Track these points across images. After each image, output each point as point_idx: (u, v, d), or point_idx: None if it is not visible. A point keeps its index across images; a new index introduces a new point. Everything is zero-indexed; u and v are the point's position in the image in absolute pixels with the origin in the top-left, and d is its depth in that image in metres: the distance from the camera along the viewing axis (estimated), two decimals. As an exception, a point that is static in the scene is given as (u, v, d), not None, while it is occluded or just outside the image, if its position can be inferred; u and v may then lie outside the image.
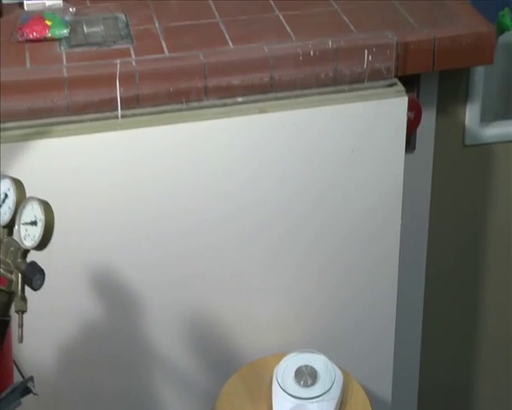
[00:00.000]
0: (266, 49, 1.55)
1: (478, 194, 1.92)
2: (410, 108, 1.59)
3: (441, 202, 1.87)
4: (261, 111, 1.53)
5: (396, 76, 1.59)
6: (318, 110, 1.54)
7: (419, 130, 1.74)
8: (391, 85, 1.59)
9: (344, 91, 1.57)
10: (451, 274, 1.98)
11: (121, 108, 1.48)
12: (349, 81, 1.57)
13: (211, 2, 1.73)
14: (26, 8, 1.67)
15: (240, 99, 1.54)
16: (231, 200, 1.56)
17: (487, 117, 1.87)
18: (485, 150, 1.87)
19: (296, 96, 1.55)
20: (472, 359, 2.09)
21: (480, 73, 1.78)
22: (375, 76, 1.57)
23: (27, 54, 1.53)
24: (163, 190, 1.52)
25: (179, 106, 1.51)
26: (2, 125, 1.44)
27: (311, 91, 1.56)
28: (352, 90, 1.57)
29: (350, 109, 1.56)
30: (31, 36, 1.56)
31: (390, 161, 1.61)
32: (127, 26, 1.63)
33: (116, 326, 1.59)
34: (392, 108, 1.57)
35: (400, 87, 1.59)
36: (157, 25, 1.64)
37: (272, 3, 1.72)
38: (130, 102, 1.48)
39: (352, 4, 1.71)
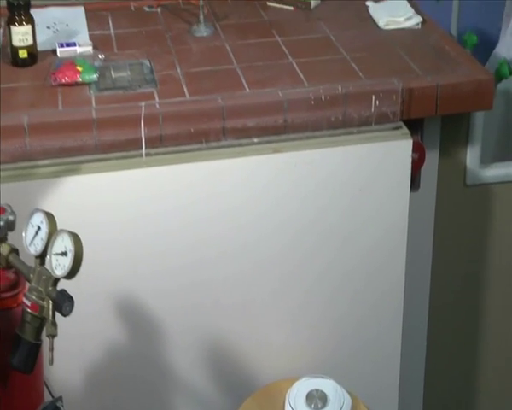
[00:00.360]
0: (280, 94, 1.56)
1: (478, 230, 1.92)
2: (414, 150, 1.60)
3: (444, 238, 1.86)
4: (275, 151, 1.54)
5: (401, 120, 1.60)
6: (328, 151, 1.55)
7: (423, 170, 1.74)
8: (396, 128, 1.60)
9: (352, 133, 1.58)
10: (453, 305, 1.97)
11: (145, 147, 1.49)
12: (357, 124, 1.58)
13: (229, 50, 1.75)
14: (59, 54, 1.70)
15: (255, 140, 1.55)
16: (246, 234, 1.56)
17: (487, 159, 1.87)
18: (485, 190, 1.87)
19: (308, 138, 1.56)
20: (474, 385, 2.08)
21: (480, 117, 1.78)
22: (381, 119, 1.58)
23: (60, 97, 1.55)
24: (183, 224, 1.53)
25: (199, 145, 1.52)
26: (35, 163, 1.46)
27: (321, 133, 1.57)
28: (360, 133, 1.58)
29: (358, 150, 1.56)
30: (63, 80, 1.59)
31: (396, 198, 1.61)
32: (151, 71, 1.65)
33: (138, 350, 1.59)
34: (398, 149, 1.57)
35: (405, 130, 1.59)
36: (179, 70, 1.66)
37: (286, 51, 1.74)
38: (154, 142, 1.50)
39: (360, 53, 1.73)
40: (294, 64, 1.69)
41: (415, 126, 1.64)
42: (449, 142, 1.78)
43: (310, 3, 1.95)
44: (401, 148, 1.57)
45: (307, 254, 1.61)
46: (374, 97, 1.56)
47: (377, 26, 1.85)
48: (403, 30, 1.83)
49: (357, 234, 1.62)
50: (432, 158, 1.75)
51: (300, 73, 1.64)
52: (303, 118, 1.55)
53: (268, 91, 1.58)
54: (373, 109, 1.57)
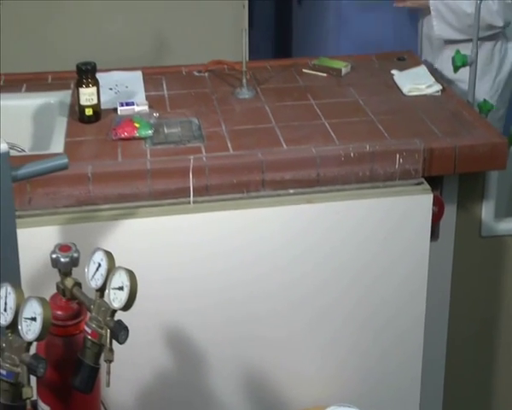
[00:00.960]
0: (314, 151, 1.58)
1: (493, 278, 1.89)
2: (434, 204, 1.59)
3: (461, 284, 1.84)
4: (308, 202, 1.55)
5: (423, 176, 1.60)
6: (357, 203, 1.55)
7: (442, 222, 1.73)
8: (418, 184, 1.59)
9: (378, 188, 1.58)
10: (470, 346, 1.94)
11: (193, 196, 1.51)
12: (383, 179, 1.58)
13: (268, 110, 1.77)
14: (119, 112, 1.74)
15: (291, 191, 1.56)
16: (282, 275, 1.56)
17: (501, 213, 1.86)
18: (499, 241, 1.85)
19: (338, 190, 1.57)
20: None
21: (494, 175, 1.77)
22: (405, 176, 1.58)
23: (119, 149, 1.59)
24: (226, 265, 1.53)
25: (241, 195, 1.54)
26: (97, 207, 1.49)
27: (350, 187, 1.57)
28: (385, 187, 1.58)
29: (383, 203, 1.56)
30: (122, 135, 1.62)
31: (417, 247, 1.60)
32: (199, 128, 1.68)
33: (184, 377, 1.58)
34: (420, 203, 1.57)
35: (426, 186, 1.59)
36: (224, 128, 1.69)
37: (319, 113, 1.76)
38: (201, 191, 1.52)
39: (386, 115, 1.74)
40: (327, 124, 1.70)
41: (435, 182, 1.63)
42: (466, 197, 1.77)
43: (341, 71, 1.98)
44: (422, 202, 1.57)
45: (337, 295, 1.60)
46: (398, 156, 1.57)
47: (401, 92, 1.87)
48: (424, 96, 1.85)
49: (382, 278, 1.61)
50: (450, 211, 1.74)
51: (332, 133, 1.66)
52: (334, 172, 1.56)
53: (303, 148, 1.59)
54: (397, 166, 1.57)
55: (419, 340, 1.66)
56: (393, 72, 1.97)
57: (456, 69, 1.96)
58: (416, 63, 2.02)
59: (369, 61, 2.08)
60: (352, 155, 1.57)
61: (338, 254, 1.58)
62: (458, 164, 1.62)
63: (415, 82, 1.88)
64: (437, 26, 2.22)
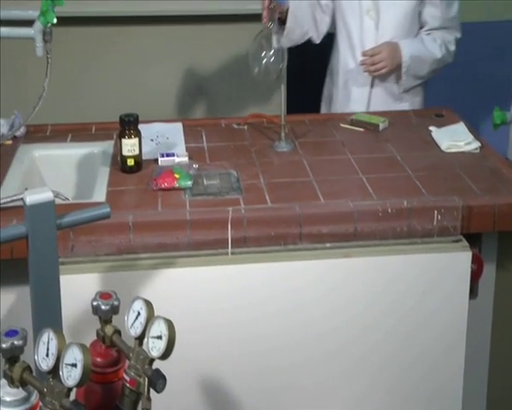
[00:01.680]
0: (351, 205, 1.59)
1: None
2: (473, 262, 1.58)
3: (500, 342, 1.81)
4: (345, 256, 1.55)
5: (461, 233, 1.59)
6: (394, 258, 1.56)
7: (481, 279, 1.71)
8: (457, 241, 1.59)
9: (416, 243, 1.58)
10: (509, 404, 1.90)
11: (231, 247, 1.53)
12: (421, 235, 1.58)
13: (306, 164, 1.80)
14: (160, 163, 1.78)
15: (328, 245, 1.57)
16: (317, 326, 1.56)
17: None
18: (538, 300, 1.84)
19: (375, 245, 1.57)
20: None
21: (534, 233, 1.77)
22: (443, 232, 1.58)
23: (159, 200, 1.62)
24: (262, 315, 1.54)
25: (278, 247, 1.55)
26: (137, 256, 1.52)
27: (387, 242, 1.58)
28: (423, 243, 1.58)
29: (421, 259, 1.56)
30: (163, 186, 1.66)
31: (456, 303, 1.59)
32: (238, 180, 1.71)
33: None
34: (458, 260, 1.56)
35: (465, 243, 1.58)
36: (262, 180, 1.71)
37: (356, 167, 1.78)
38: (239, 242, 1.54)
39: (424, 172, 1.75)
40: (364, 179, 1.72)
41: (474, 240, 1.63)
42: (505, 255, 1.75)
43: (378, 126, 2.01)
44: (461, 259, 1.56)
45: (372, 346, 1.60)
46: (436, 213, 1.57)
47: (439, 148, 1.88)
48: (463, 153, 1.85)
49: (418, 333, 1.60)
50: (489, 269, 1.72)
51: (369, 188, 1.68)
52: (371, 227, 1.57)
53: (340, 202, 1.61)
54: (435, 223, 1.57)
55: (457, 396, 1.64)
56: (431, 128, 1.98)
57: (495, 127, 1.97)
58: (455, 120, 2.03)
59: (407, 117, 2.10)
60: (389, 210, 1.58)
61: (373, 307, 1.58)
62: (498, 222, 1.61)
63: (453, 139, 1.89)
64: (405, 81, 2.19)
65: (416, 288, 1.57)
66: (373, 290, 1.57)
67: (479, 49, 2.85)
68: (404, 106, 2.21)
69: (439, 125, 1.99)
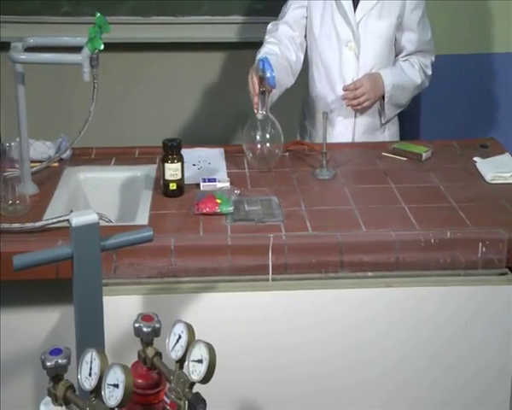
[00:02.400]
0: (393, 235, 1.59)
1: None
2: (518, 295, 1.56)
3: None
4: (387, 285, 1.55)
5: (507, 266, 1.57)
6: (436, 289, 1.55)
7: None
8: (502, 274, 1.57)
9: (459, 275, 1.57)
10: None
11: (272, 273, 1.54)
12: (464, 267, 1.57)
13: (347, 192, 1.80)
14: (201, 188, 1.80)
15: (369, 273, 1.57)
16: (357, 354, 1.56)
17: None
18: None
19: (417, 276, 1.56)
20: None
21: None
22: (487, 265, 1.57)
23: (201, 224, 1.65)
24: (302, 341, 1.54)
25: (319, 275, 1.56)
26: (179, 279, 1.53)
27: (430, 272, 1.57)
28: (466, 275, 1.57)
29: (464, 291, 1.55)
30: (204, 210, 1.68)
31: (499, 337, 1.57)
32: (279, 207, 1.72)
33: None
34: (503, 293, 1.54)
35: (511, 276, 1.56)
36: (303, 207, 1.72)
37: (399, 196, 1.78)
38: (279, 269, 1.55)
39: (468, 203, 1.74)
40: (406, 209, 1.72)
41: (519, 273, 1.61)
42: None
43: (421, 155, 2.00)
44: (506, 292, 1.55)
45: (411, 377, 1.58)
46: (480, 244, 1.56)
47: (484, 179, 1.87)
48: (508, 185, 1.84)
49: (460, 365, 1.58)
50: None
51: (412, 217, 1.67)
52: (413, 257, 1.57)
53: (382, 232, 1.61)
54: (479, 255, 1.56)
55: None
56: (476, 159, 1.97)
57: None
58: (500, 151, 2.02)
59: (451, 147, 2.09)
60: (432, 240, 1.57)
61: (414, 338, 1.57)
62: (544, 255, 1.59)
63: (498, 170, 1.87)
64: (388, 111, 2.17)
65: (458, 320, 1.56)
66: (414, 321, 1.56)
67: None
68: (386, 136, 2.21)
69: (484, 156, 1.98)
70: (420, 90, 2.23)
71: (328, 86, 2.17)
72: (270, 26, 2.22)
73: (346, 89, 2.08)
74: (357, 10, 2.11)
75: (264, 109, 1.89)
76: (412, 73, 2.17)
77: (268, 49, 2.12)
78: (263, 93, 1.88)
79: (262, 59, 1.87)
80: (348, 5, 2.11)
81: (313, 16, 2.15)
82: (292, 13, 2.18)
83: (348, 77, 2.13)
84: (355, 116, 2.17)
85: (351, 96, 2.08)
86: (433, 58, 2.23)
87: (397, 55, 2.20)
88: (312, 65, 2.20)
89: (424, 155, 2.00)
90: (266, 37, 2.19)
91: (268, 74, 1.86)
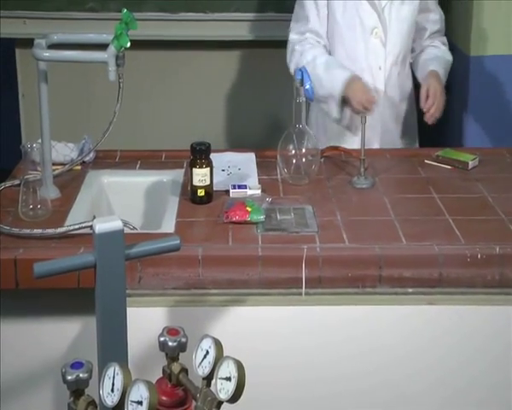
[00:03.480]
0: (436, 248, 1.57)
1: None
2: None
3: None
4: (429, 303, 1.54)
5: None
6: (483, 308, 1.53)
7: None
8: None
9: (509, 294, 1.55)
10: None
11: (305, 287, 1.54)
12: None
13: (387, 202, 1.79)
14: (231, 195, 1.81)
15: (410, 290, 1.55)
16: (392, 372, 1.56)
17: None
18: None
19: (462, 293, 1.55)
20: None
21: None
22: None
23: (230, 233, 1.65)
24: (337, 358, 1.55)
25: (356, 290, 1.55)
26: (206, 291, 1.54)
27: (476, 290, 1.55)
28: None
29: None
30: (234, 219, 1.68)
31: None
32: (314, 216, 1.71)
33: None
34: None
35: None
36: (339, 217, 1.72)
37: (442, 208, 1.76)
38: (313, 282, 1.54)
39: (518, 215, 1.72)
40: (451, 221, 1.70)
41: None
42: None
43: (467, 164, 1.98)
44: (559, 312, 1.53)
45: (453, 397, 1.57)
46: (532, 261, 1.54)
47: (536, 190, 1.85)
48: (562, 197, 1.82)
49: (503, 386, 1.56)
50: None
51: (456, 230, 1.66)
52: (458, 273, 1.55)
53: (424, 245, 1.59)
54: (530, 272, 1.55)
55: None
56: (527, 168, 1.96)
57: None
58: (553, 160, 2.01)
59: (500, 155, 2.07)
60: (478, 256, 1.55)
61: (456, 359, 1.56)
62: None
63: (551, 181, 1.86)
64: None
65: (505, 342, 1.54)
66: (457, 341, 1.55)
67: None
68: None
69: (536, 166, 1.97)
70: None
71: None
72: (295, 36, 2.24)
73: (428, 108, 2.08)
74: None
75: (302, 122, 1.88)
76: (447, 53, 2.29)
77: (313, 55, 2.17)
78: (300, 104, 1.86)
79: (300, 69, 1.88)
80: None
81: (335, 7, 2.17)
82: (315, 19, 2.21)
83: (375, 65, 2.17)
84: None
85: (433, 110, 2.08)
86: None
87: (415, 38, 2.26)
88: (335, 56, 2.21)
89: (471, 164, 1.98)
90: (296, 47, 2.22)
91: (307, 86, 1.86)
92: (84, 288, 1.45)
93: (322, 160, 2.01)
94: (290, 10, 2.93)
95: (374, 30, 2.15)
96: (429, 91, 2.11)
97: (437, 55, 2.26)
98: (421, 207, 1.78)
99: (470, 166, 1.98)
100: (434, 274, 1.55)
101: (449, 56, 2.29)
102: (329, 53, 2.23)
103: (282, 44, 2.93)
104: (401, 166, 2.02)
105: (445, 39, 2.32)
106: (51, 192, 1.80)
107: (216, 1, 2.93)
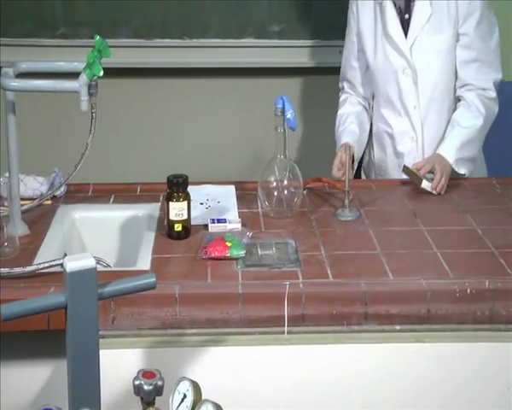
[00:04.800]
0: (424, 283, 1.59)
1: None
2: None
3: None
4: (417, 340, 1.55)
5: None
6: (474, 345, 1.55)
7: None
8: None
9: (500, 330, 1.56)
10: None
11: (288, 325, 1.54)
12: (505, 321, 1.56)
13: (372, 235, 1.81)
14: (210, 229, 1.82)
15: (397, 327, 1.57)
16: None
17: None
18: None
19: (452, 330, 1.56)
20: None
21: None
22: None
23: (209, 270, 1.66)
24: (322, 399, 1.55)
25: (340, 328, 1.56)
26: (184, 331, 1.54)
27: (466, 327, 1.56)
28: (508, 330, 1.56)
29: (506, 348, 1.54)
30: (213, 255, 1.69)
31: None
32: (296, 251, 1.73)
33: None
34: None
35: None
36: (323, 252, 1.73)
37: (430, 240, 1.78)
38: (296, 320, 1.55)
39: (509, 248, 1.74)
40: (439, 254, 1.72)
41: None
42: None
43: (421, 180, 2.02)
44: (553, 349, 1.54)
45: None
46: (524, 296, 1.56)
47: (528, 225, 1.87)
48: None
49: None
50: None
51: (445, 264, 1.67)
52: (447, 309, 1.57)
53: (411, 280, 1.61)
54: (522, 307, 1.56)
55: None
56: (518, 199, 1.98)
57: None
58: (545, 190, 2.04)
59: (490, 185, 2.11)
60: (468, 290, 1.57)
61: (447, 399, 1.56)
62: None
63: (543, 212, 1.89)
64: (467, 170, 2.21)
65: (499, 381, 1.55)
66: (447, 380, 1.56)
67: None
68: None
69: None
70: (488, 126, 2.24)
71: (393, 117, 2.29)
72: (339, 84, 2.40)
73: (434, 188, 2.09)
74: (408, 33, 2.21)
75: (284, 153, 1.91)
76: (469, 120, 2.21)
77: (342, 110, 2.35)
78: (281, 134, 1.89)
79: (281, 97, 1.91)
80: (396, 32, 2.22)
81: (368, 53, 2.29)
82: (352, 72, 2.36)
83: (410, 104, 2.25)
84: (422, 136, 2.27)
85: (437, 188, 2.09)
86: (499, 75, 2.25)
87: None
88: (375, 101, 2.35)
89: (424, 183, 2.03)
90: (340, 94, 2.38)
91: (289, 115, 1.89)
92: (54, 330, 1.44)
93: (304, 192, 2.03)
94: (271, 36, 2.99)
95: (404, 70, 2.23)
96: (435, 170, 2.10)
97: (452, 128, 2.20)
98: (408, 240, 1.81)
99: (423, 185, 2.03)
100: (422, 310, 1.56)
101: (474, 122, 2.19)
102: (371, 98, 2.36)
103: (263, 72, 2.98)
104: (387, 197, 2.04)
105: (484, 86, 2.21)
106: (19, 228, 1.80)
107: (194, 26, 2.96)
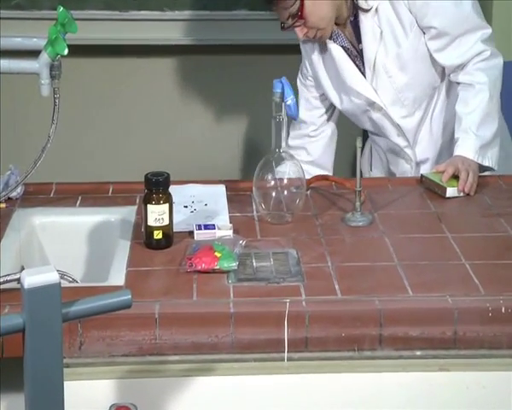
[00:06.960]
0: (450, 301, 1.60)
1: None
2: None
3: None
4: (441, 369, 1.56)
5: None
6: (509, 375, 1.55)
7: None
8: None
9: None
10: None
11: (288, 351, 1.55)
12: None
13: (388, 243, 1.82)
14: (195, 237, 1.82)
15: (418, 352, 1.57)
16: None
17: None
18: None
19: (483, 356, 1.57)
20: None
21: None
22: None
23: (194, 285, 1.66)
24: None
25: (350, 353, 1.56)
26: (165, 358, 1.54)
27: (500, 352, 1.57)
28: None
29: None
30: (199, 267, 1.69)
31: None
32: (298, 262, 1.73)
33: None
34: None
35: None
36: (330, 264, 1.74)
37: (457, 250, 1.79)
38: (298, 345, 1.55)
39: (550, 260, 1.75)
40: (467, 266, 1.73)
41: None
42: None
43: (445, 190, 2.03)
44: None
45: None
46: None
47: None
48: None
49: None
50: None
51: (475, 278, 1.68)
52: (477, 332, 1.57)
53: (435, 297, 1.62)
54: None
55: None
56: (560, 200, 2.00)
57: None
58: None
59: (526, 184, 2.13)
60: (503, 309, 1.58)
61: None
62: None
63: None
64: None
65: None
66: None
67: None
68: None
69: None
70: (496, 87, 2.27)
71: (382, 140, 2.44)
72: (290, 142, 2.41)
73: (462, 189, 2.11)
74: (365, 65, 2.29)
75: (282, 146, 1.91)
76: (473, 98, 2.24)
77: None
78: (280, 123, 1.90)
79: (280, 80, 1.92)
80: (352, 76, 2.32)
81: (330, 97, 2.40)
82: (305, 113, 2.43)
83: (392, 134, 2.36)
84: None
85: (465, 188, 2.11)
86: (486, 30, 2.26)
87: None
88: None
89: (449, 191, 2.03)
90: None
91: (289, 101, 1.90)
92: (8, 358, 1.45)
93: (308, 192, 2.05)
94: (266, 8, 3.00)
95: (374, 105, 2.33)
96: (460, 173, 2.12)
97: (463, 114, 2.23)
98: (431, 249, 1.82)
99: (448, 194, 2.04)
100: (448, 333, 1.57)
101: (480, 97, 2.23)
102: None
103: (257, 49, 2.98)
104: (405, 199, 2.06)
105: (479, 51, 2.25)
106: (-31, 237, 1.81)
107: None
